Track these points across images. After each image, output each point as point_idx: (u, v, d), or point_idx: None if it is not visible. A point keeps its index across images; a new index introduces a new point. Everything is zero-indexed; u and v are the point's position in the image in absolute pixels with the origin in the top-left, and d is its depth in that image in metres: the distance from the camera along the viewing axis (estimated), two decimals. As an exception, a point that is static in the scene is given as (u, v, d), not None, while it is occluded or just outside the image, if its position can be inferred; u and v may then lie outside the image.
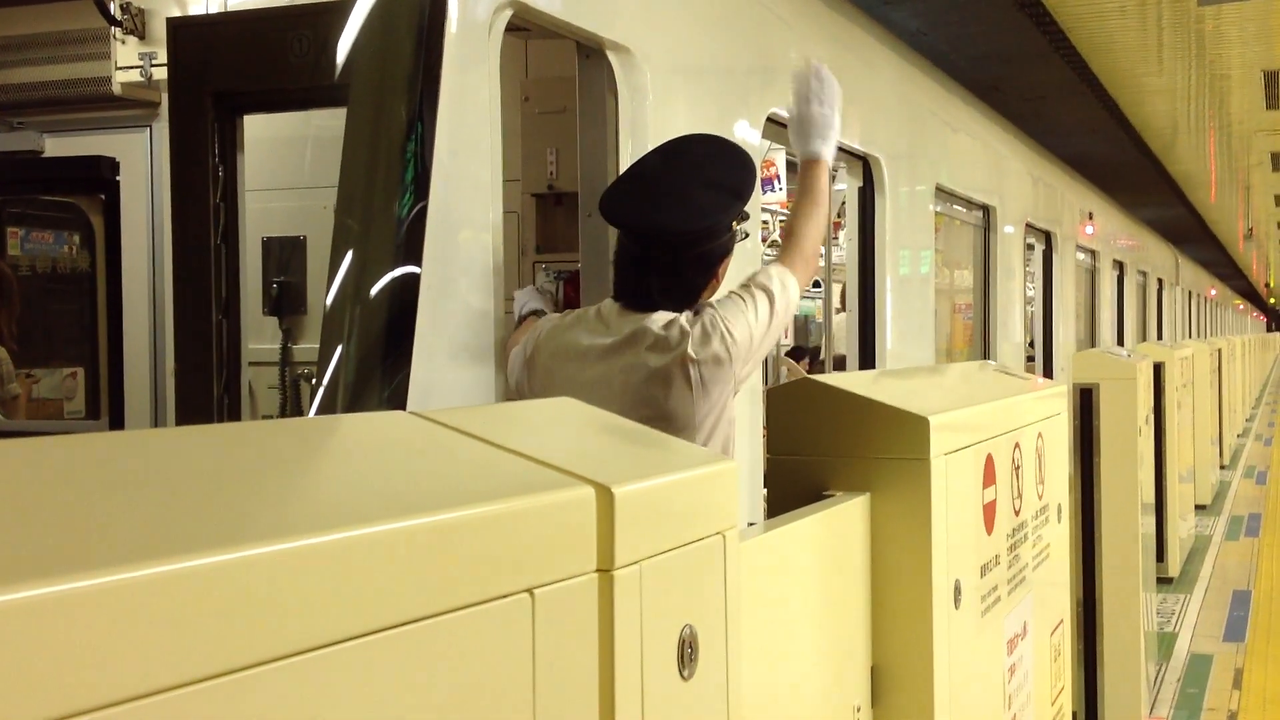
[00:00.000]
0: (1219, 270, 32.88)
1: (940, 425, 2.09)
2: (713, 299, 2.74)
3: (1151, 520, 6.47)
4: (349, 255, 2.72)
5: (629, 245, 2.74)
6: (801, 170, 3.16)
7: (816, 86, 3.19)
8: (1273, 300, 52.79)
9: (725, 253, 2.76)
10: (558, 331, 2.80)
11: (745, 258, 4.15)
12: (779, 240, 10.52)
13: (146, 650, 0.70)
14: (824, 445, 2.11)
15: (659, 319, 2.67)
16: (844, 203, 6.12)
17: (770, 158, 8.66)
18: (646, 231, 2.68)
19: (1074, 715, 4.30)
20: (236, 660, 0.74)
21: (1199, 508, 11.16)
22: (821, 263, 5.46)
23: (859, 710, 2.03)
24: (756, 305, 2.70)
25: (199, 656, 0.72)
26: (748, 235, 2.87)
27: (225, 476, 0.95)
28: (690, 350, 2.58)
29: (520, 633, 0.98)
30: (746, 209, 2.78)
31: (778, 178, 8.94)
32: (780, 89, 4.70)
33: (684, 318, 2.65)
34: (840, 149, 5.37)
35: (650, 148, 3.34)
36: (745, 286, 2.77)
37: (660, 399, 2.59)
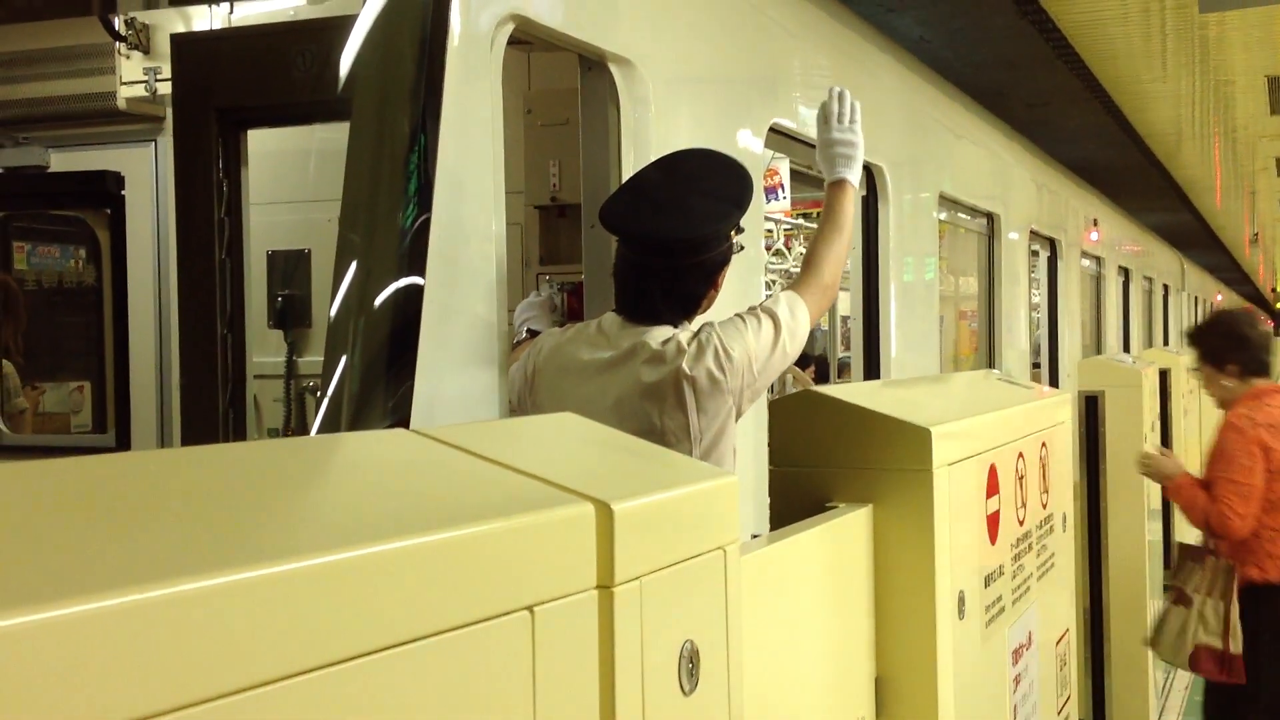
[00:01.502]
0: (1225, 275, 32.81)
1: (943, 436, 2.09)
2: (716, 321, 2.72)
3: (1159, 527, 6.47)
4: (353, 268, 2.73)
5: (628, 255, 2.75)
6: (826, 194, 3.14)
7: (836, 108, 3.19)
8: (1279, 305, 52.68)
9: (724, 262, 2.76)
10: (559, 346, 2.81)
11: (749, 266, 4.16)
12: (783, 249, 10.51)
13: (150, 671, 0.70)
14: (827, 456, 2.11)
15: (658, 334, 2.66)
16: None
17: (774, 166, 8.66)
18: (646, 239, 2.69)
19: (1081, 723, 4.29)
20: (238, 681, 0.75)
21: (1206, 514, 11.11)
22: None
23: (863, 722, 2.03)
24: (760, 327, 2.68)
25: (200, 677, 0.73)
26: (743, 248, 2.87)
27: (228, 498, 0.96)
28: (685, 366, 2.57)
29: (521, 650, 0.99)
30: (743, 223, 2.78)
31: (781, 186, 8.94)
32: (783, 99, 4.71)
33: (683, 335, 2.64)
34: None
35: (653, 159, 3.35)
36: (752, 310, 2.76)
37: (654, 414, 2.58)
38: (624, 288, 2.77)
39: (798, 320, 2.75)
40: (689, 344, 2.61)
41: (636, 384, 2.63)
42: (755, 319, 2.70)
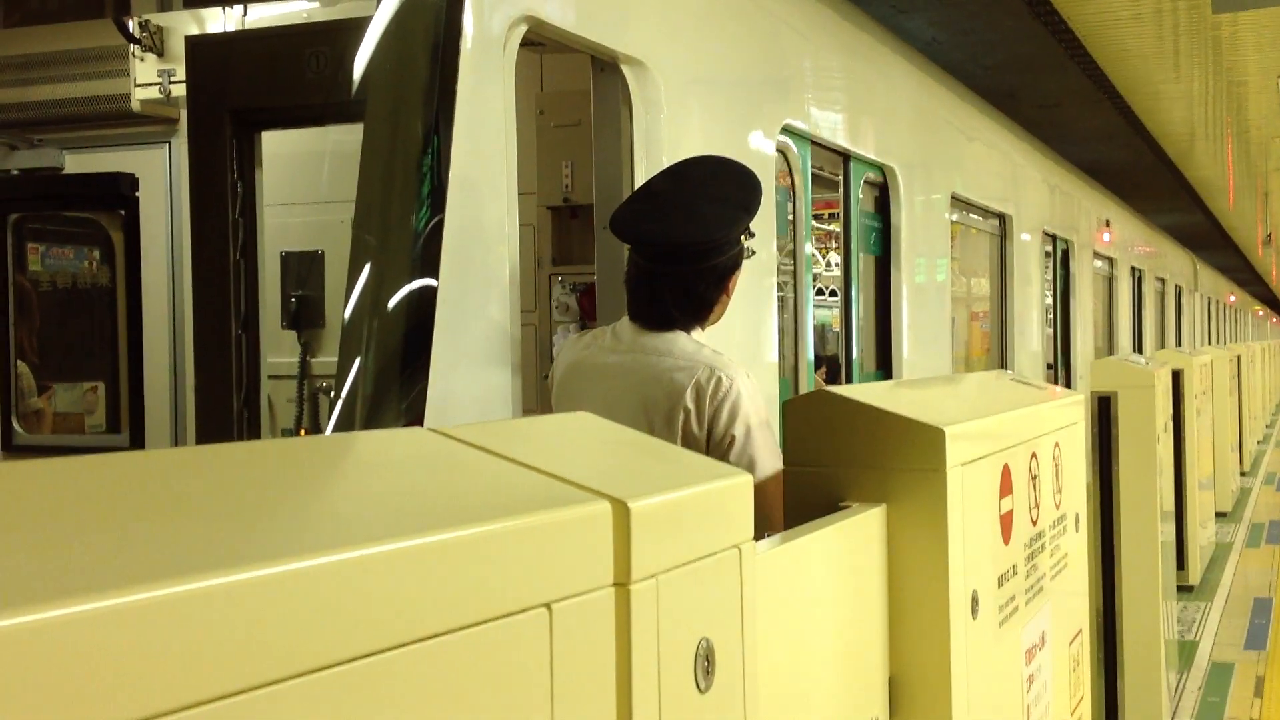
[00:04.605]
0: (1238, 276, 32.74)
1: (956, 436, 2.09)
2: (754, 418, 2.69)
3: (1171, 528, 6.45)
4: (367, 269, 2.74)
5: (640, 263, 2.76)
6: None
7: None
8: (1292, 305, 52.44)
9: (735, 266, 2.78)
10: (576, 356, 2.85)
11: (763, 269, 4.17)
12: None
13: (169, 667, 0.71)
14: (840, 456, 2.11)
15: (688, 357, 2.69)
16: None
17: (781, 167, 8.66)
18: (656, 245, 2.70)
19: (1094, 725, 4.27)
20: (254, 678, 0.75)
21: (1219, 515, 11.11)
22: (838, 271, 5.48)
23: (877, 721, 2.03)
24: (776, 449, 2.66)
25: (218, 673, 0.73)
26: (754, 253, 2.88)
27: (246, 495, 0.97)
28: (688, 398, 2.62)
29: (538, 647, 0.99)
30: (752, 228, 2.80)
31: (787, 185, 8.93)
32: (795, 99, 4.72)
33: (714, 378, 2.65)
34: (857, 158, 5.38)
35: (665, 160, 3.36)
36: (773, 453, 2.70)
37: (654, 421, 2.64)
38: (636, 295, 2.78)
39: (778, 465, 2.63)
40: (709, 380, 2.63)
41: (647, 390, 2.66)
42: (773, 454, 2.66)
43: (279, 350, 4.49)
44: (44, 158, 5.07)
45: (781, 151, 4.67)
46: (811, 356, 4.97)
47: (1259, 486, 14.30)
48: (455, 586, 0.92)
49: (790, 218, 4.82)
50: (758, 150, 4.21)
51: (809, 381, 4.90)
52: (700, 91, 3.83)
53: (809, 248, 4.97)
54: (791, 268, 4.85)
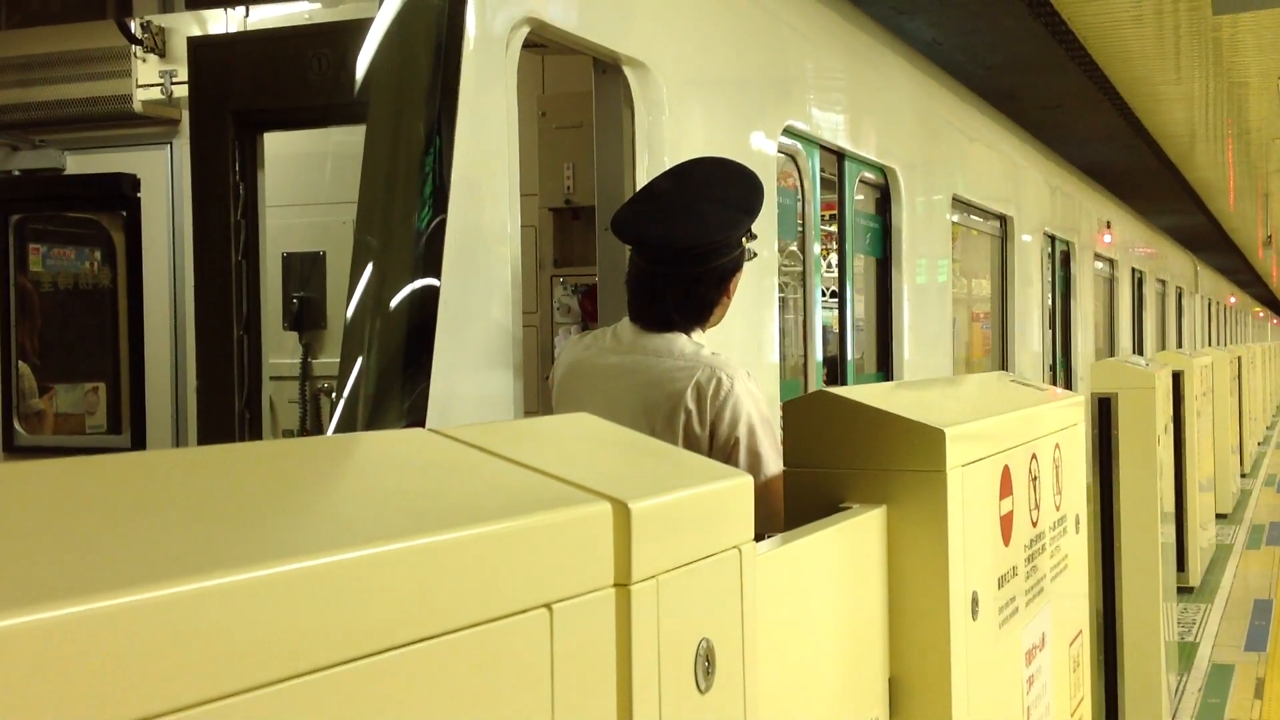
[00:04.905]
0: (1238, 278, 32.71)
1: (956, 437, 2.09)
2: (755, 413, 2.68)
3: (1171, 529, 6.45)
4: (369, 270, 2.74)
5: (641, 264, 2.76)
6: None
7: None
8: (1294, 307, 52.40)
9: (736, 268, 2.78)
10: (576, 357, 2.85)
11: (764, 269, 4.17)
12: (796, 251, 10.52)
13: (170, 668, 0.71)
14: (841, 457, 2.11)
15: (678, 346, 2.69)
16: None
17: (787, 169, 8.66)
18: (657, 247, 2.71)
19: (1094, 726, 4.27)
20: (255, 678, 0.76)
21: (1219, 516, 11.10)
22: (835, 272, 5.48)
23: (877, 722, 2.03)
24: (778, 445, 2.65)
25: (219, 673, 0.74)
26: (755, 255, 2.88)
27: (247, 496, 0.97)
28: (688, 397, 2.61)
29: (539, 647, 1.00)
30: (754, 230, 2.80)
31: (795, 188, 8.94)
32: (797, 100, 4.72)
33: (714, 379, 2.65)
34: (853, 158, 5.38)
35: (667, 161, 3.36)
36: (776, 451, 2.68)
37: (655, 423, 2.64)
38: (637, 296, 2.79)
39: (778, 465, 2.61)
40: (709, 380, 2.63)
41: (647, 391, 2.66)
42: (775, 449, 2.66)
43: (280, 351, 4.50)
44: (46, 158, 5.07)
45: (790, 154, 4.67)
46: (820, 357, 4.98)
47: (1259, 488, 14.29)
48: (456, 587, 0.92)
49: (799, 220, 4.83)
50: (759, 151, 4.21)
51: (817, 381, 4.91)
52: (702, 93, 3.83)
53: (816, 249, 4.97)
54: (800, 269, 4.86)
